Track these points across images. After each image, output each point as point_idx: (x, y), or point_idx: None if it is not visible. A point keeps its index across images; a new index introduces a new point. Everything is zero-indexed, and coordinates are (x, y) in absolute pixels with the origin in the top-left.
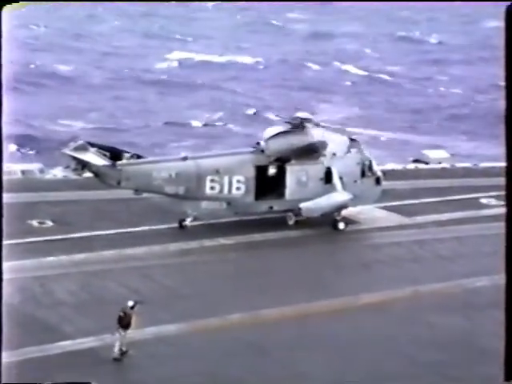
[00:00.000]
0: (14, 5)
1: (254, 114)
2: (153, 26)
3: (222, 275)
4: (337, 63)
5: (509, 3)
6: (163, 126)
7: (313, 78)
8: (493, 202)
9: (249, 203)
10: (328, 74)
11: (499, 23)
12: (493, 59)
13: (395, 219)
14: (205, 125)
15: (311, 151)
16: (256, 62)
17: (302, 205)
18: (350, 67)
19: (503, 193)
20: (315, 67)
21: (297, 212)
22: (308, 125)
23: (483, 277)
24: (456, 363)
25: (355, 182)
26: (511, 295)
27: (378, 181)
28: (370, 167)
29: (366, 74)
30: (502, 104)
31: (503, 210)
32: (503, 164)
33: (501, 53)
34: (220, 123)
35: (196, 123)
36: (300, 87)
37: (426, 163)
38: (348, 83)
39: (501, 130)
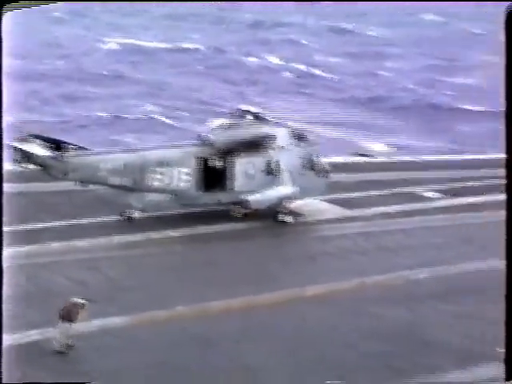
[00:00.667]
0: (14, 5)
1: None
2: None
3: (169, 267)
4: (275, 55)
5: (509, 3)
6: (103, 117)
7: (252, 69)
8: (436, 195)
9: (196, 195)
10: (266, 66)
11: (435, 17)
12: (430, 53)
13: (340, 212)
14: (143, 116)
15: (258, 144)
16: (196, 50)
17: (250, 197)
18: (289, 59)
19: (443, 186)
20: (252, 59)
21: (244, 204)
22: (254, 118)
23: (426, 268)
24: (399, 354)
25: (302, 174)
26: (511, 294)
27: (324, 174)
28: (317, 160)
29: (304, 66)
30: (439, 97)
31: (445, 203)
32: (444, 157)
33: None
34: (156, 116)
35: (135, 115)
36: (239, 79)
37: (369, 156)
38: (288, 75)
39: (438, 122)
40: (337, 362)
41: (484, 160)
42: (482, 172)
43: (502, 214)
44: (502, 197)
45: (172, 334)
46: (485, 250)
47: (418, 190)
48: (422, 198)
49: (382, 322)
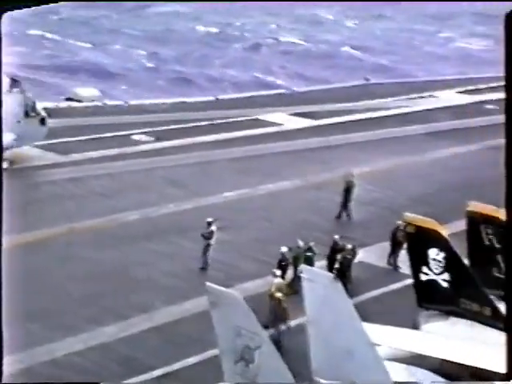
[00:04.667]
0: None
1: None
2: None
3: None
4: None
5: (509, 3)
6: None
7: None
8: (144, 138)
9: None
10: None
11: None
12: None
13: (51, 157)
14: None
15: None
16: None
17: None
18: None
19: (152, 129)
20: None
21: None
22: None
23: (134, 211)
24: (111, 294)
25: (18, 122)
26: (510, 295)
27: (42, 121)
28: (34, 108)
29: None
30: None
31: (153, 146)
32: (152, 101)
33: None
34: None
35: None
36: None
37: (79, 101)
38: None
39: None
40: (47, 307)
41: (200, 102)
42: (198, 115)
43: (206, 154)
44: (211, 137)
45: None
46: (189, 189)
47: (127, 133)
48: (131, 142)
49: (94, 265)
